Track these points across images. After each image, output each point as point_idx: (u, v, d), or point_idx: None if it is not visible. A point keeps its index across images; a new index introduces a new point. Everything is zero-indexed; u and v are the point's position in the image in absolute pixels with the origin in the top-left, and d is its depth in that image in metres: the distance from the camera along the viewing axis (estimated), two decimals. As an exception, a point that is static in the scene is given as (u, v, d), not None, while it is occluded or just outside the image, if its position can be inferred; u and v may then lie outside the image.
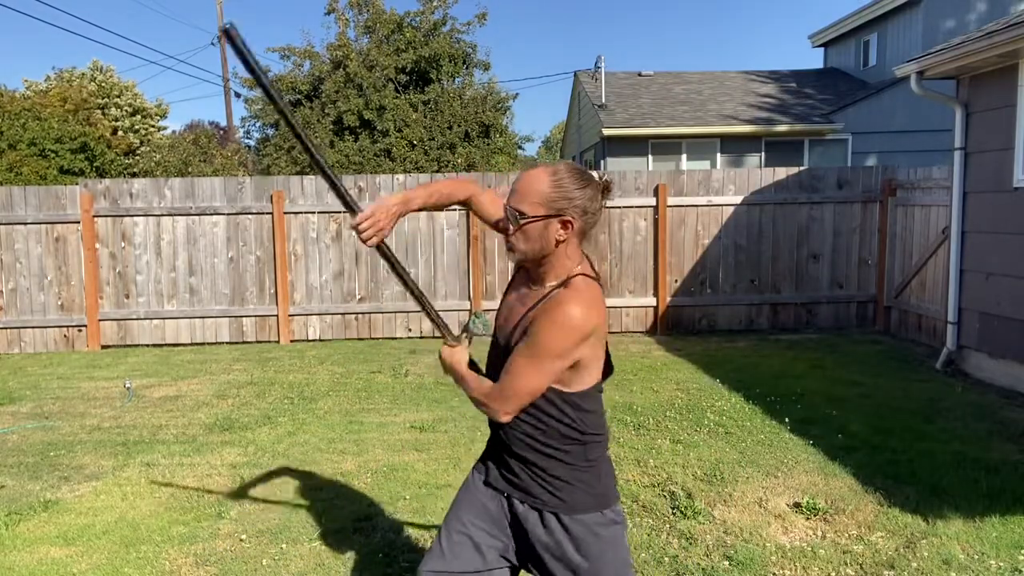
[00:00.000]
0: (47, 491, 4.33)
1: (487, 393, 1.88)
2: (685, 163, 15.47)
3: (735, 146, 15.43)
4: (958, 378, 6.56)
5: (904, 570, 3.24)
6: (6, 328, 8.49)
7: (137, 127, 26.19)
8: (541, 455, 1.90)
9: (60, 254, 8.46)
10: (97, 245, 8.52)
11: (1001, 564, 3.27)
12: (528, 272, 1.94)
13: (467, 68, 18.29)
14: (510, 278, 2.07)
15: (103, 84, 26.11)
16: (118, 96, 25.96)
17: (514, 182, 1.85)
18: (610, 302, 8.83)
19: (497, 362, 1.94)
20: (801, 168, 9.05)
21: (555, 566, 1.91)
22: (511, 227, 1.83)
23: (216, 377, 7.12)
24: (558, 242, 1.82)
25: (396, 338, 8.85)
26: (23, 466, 4.77)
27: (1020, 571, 3.23)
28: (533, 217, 1.79)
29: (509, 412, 1.85)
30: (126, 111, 26.10)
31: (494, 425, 1.98)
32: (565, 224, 1.80)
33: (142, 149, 23.08)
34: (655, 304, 8.89)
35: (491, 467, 2.04)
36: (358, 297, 8.83)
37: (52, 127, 17.31)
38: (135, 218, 8.54)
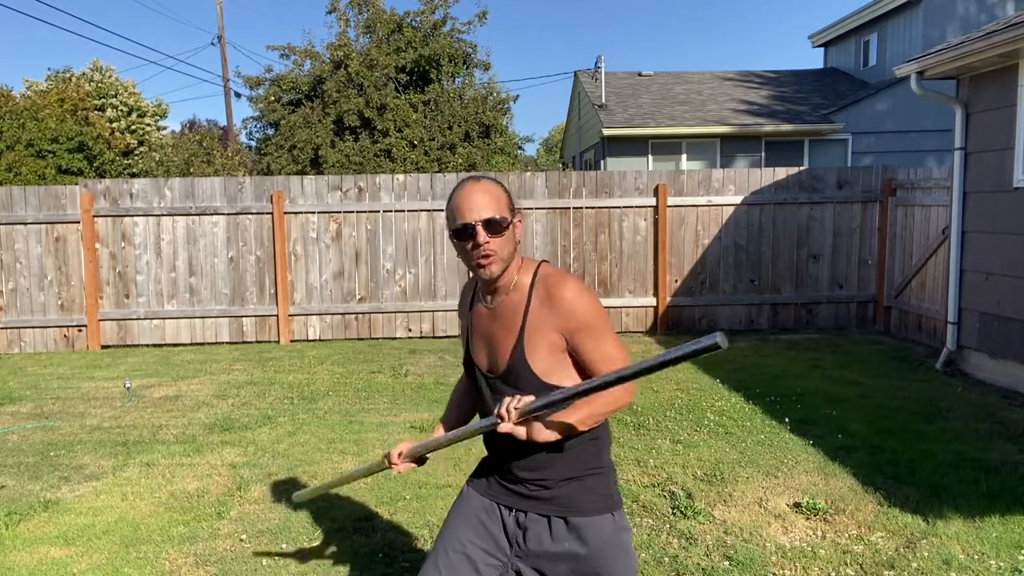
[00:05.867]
0: (47, 491, 4.33)
1: (617, 396, 1.81)
2: (685, 163, 15.46)
3: (735, 146, 15.43)
4: (958, 378, 6.56)
5: (904, 570, 3.24)
6: (6, 328, 8.49)
7: (134, 127, 26.12)
8: (560, 458, 1.86)
9: (60, 254, 8.46)
10: (97, 245, 8.52)
11: (1001, 564, 3.27)
12: (480, 290, 1.97)
13: (467, 68, 18.31)
14: (461, 305, 2.09)
15: (100, 84, 26.05)
16: (114, 96, 25.89)
17: (465, 200, 1.83)
18: (610, 302, 8.83)
19: (508, 391, 1.82)
20: (801, 168, 9.05)
21: None
22: (490, 237, 1.82)
23: (216, 377, 7.12)
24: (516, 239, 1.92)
25: (396, 338, 8.85)
26: (23, 466, 4.77)
27: (1020, 571, 3.23)
28: (514, 220, 1.89)
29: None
30: (122, 111, 26.04)
31: (502, 439, 1.85)
32: (520, 221, 1.93)
33: (140, 149, 23.05)
34: (655, 304, 8.89)
35: (492, 481, 1.98)
36: (358, 297, 8.83)
37: (49, 127, 17.30)
38: (135, 218, 8.54)
